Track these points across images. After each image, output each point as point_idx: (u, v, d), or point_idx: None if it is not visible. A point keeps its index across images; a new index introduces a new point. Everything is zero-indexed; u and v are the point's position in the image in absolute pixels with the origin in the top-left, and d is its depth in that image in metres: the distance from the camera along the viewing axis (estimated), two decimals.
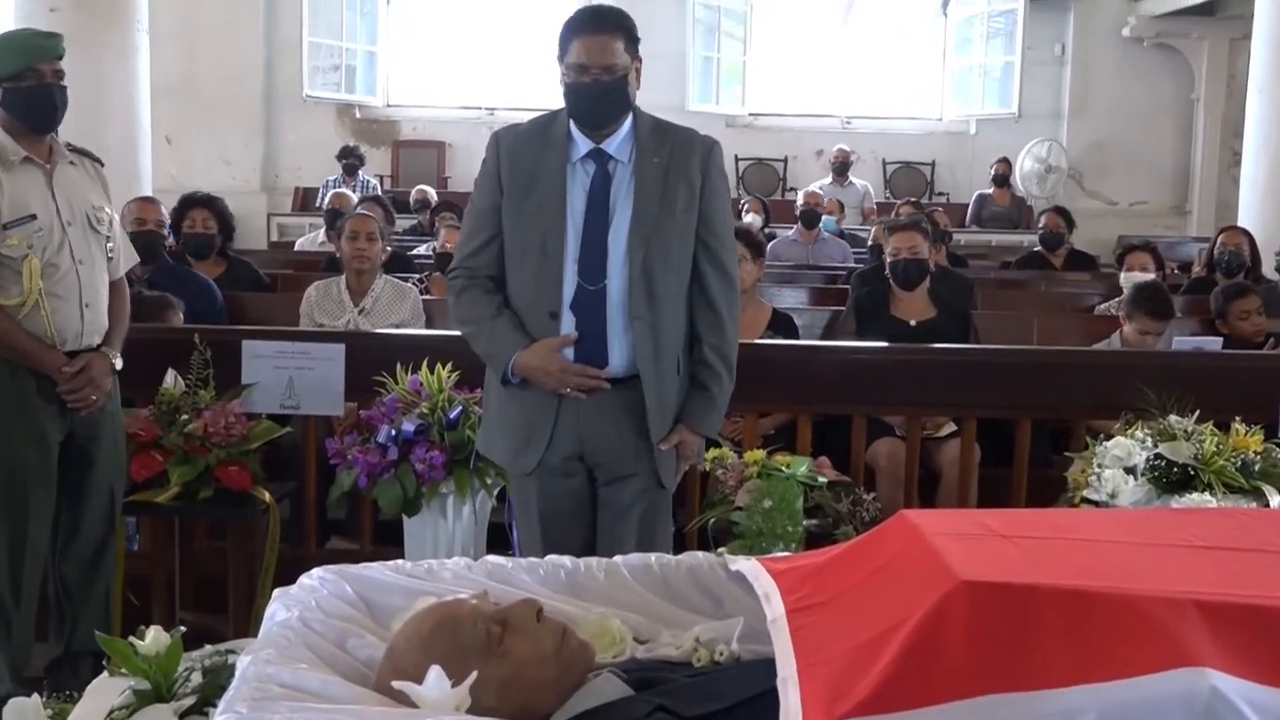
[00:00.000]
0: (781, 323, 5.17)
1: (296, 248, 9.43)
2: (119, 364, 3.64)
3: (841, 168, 11.62)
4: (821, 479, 3.66)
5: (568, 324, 3.00)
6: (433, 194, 10.46)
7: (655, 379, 3.03)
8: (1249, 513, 2.66)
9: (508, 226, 3.05)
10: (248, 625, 3.73)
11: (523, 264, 3.04)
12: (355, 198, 9.14)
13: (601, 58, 2.94)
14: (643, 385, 3.02)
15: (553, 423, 3.05)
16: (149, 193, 7.03)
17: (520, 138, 3.09)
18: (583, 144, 3.03)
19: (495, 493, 3.79)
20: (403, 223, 9.71)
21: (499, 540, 3.85)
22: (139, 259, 4.08)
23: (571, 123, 3.04)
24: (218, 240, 5.98)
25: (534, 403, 3.06)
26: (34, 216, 3.44)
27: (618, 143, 3.04)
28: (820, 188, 10.38)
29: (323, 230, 8.77)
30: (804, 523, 3.45)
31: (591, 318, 3.01)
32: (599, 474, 3.11)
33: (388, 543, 4.08)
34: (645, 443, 3.06)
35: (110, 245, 3.65)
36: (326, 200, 9.34)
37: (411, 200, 10.45)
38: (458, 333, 3.23)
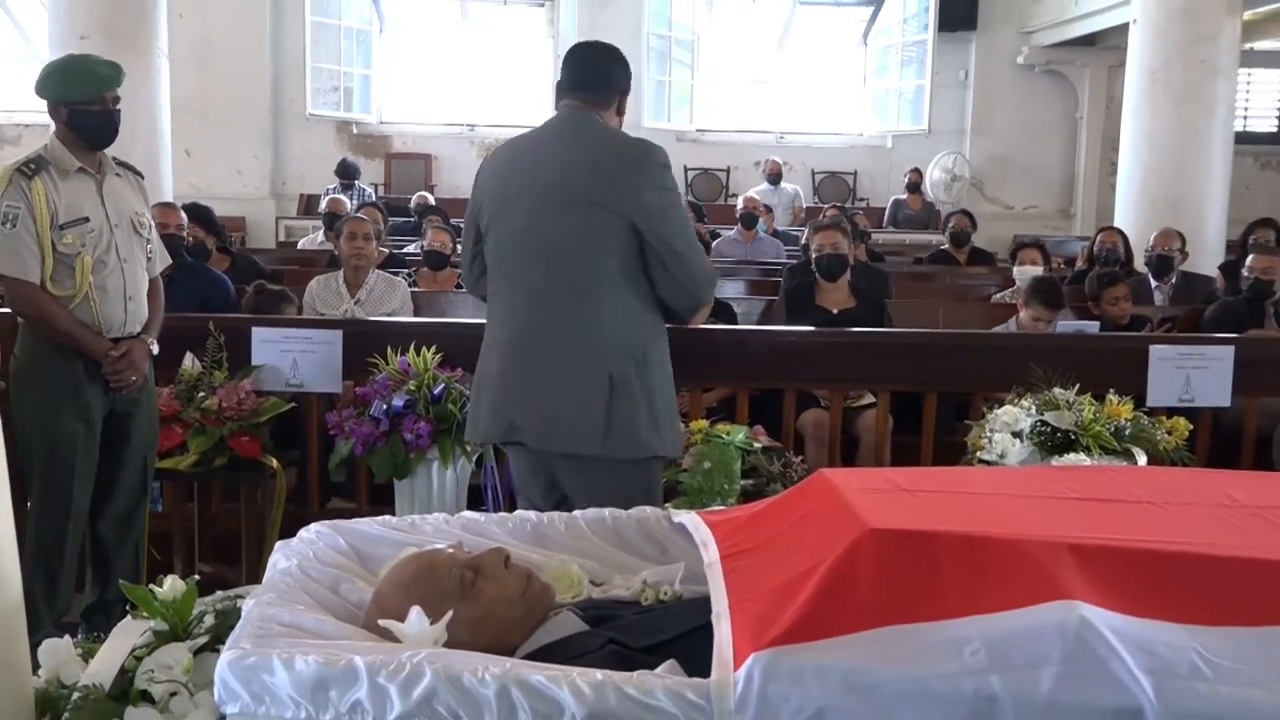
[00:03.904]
0: (722, 310, 5.19)
1: (299, 248, 9.34)
2: (155, 349, 3.64)
3: (774, 177, 11.64)
4: (757, 445, 3.67)
5: None
6: (431, 199, 10.37)
7: None
8: (1116, 470, 2.68)
9: None
10: (258, 575, 3.71)
11: None
12: (350, 203, 9.06)
13: None
14: None
15: None
16: (170, 200, 6.93)
17: None
18: None
19: (475, 458, 3.79)
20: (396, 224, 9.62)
21: (476, 499, 3.86)
22: (170, 261, 4.06)
23: None
24: (210, 242, 5.91)
25: None
26: (87, 219, 3.45)
27: None
28: (757, 193, 10.38)
29: (321, 231, 8.69)
30: (741, 482, 3.47)
31: None
32: None
33: (381, 502, 4.06)
34: None
35: (150, 247, 3.65)
36: (324, 205, 9.24)
37: (413, 205, 10.36)
38: (441, 320, 3.21)
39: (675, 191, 3.02)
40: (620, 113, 3.04)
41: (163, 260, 3.81)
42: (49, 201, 3.38)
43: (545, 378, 2.88)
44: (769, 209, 10.22)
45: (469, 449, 3.70)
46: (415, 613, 1.64)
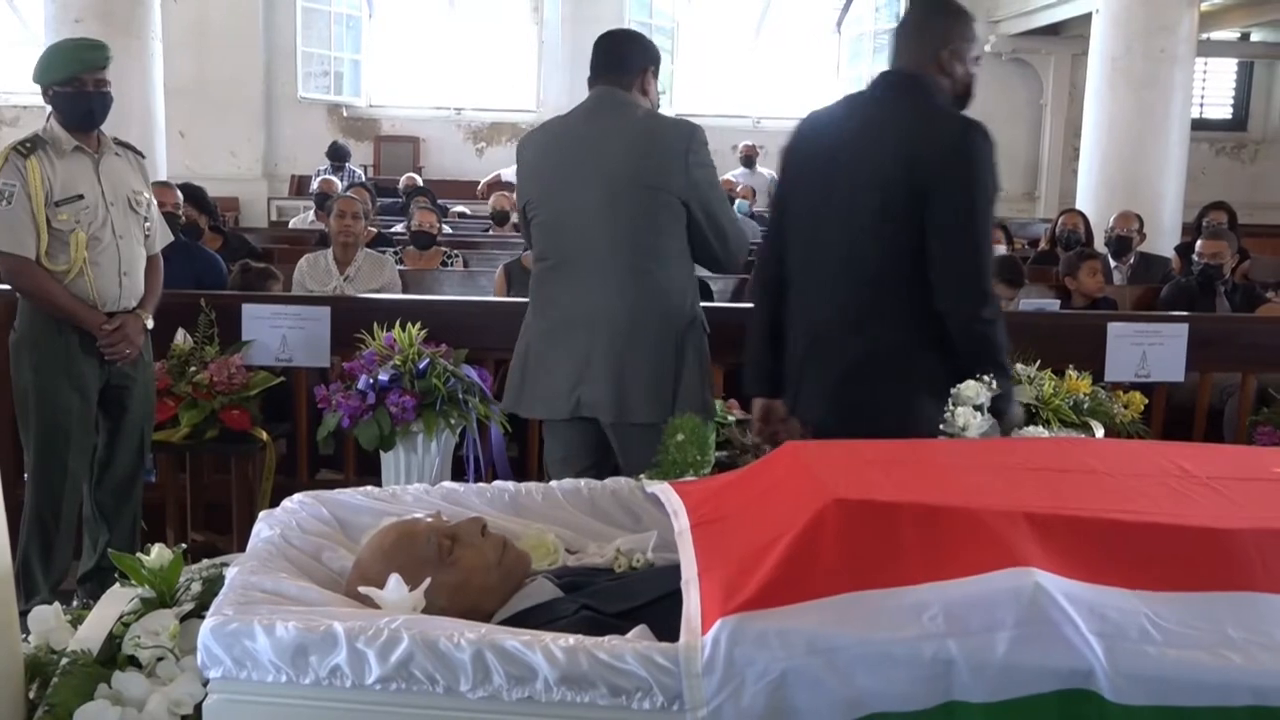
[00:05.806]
0: (700, 288, 5.15)
1: (290, 227, 9.27)
2: (150, 324, 3.61)
3: (748, 160, 11.58)
4: (731, 417, 3.66)
5: None
6: (419, 181, 10.28)
7: None
8: (1071, 441, 2.70)
9: None
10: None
11: None
12: (340, 184, 8.98)
13: None
14: None
15: None
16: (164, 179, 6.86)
17: None
18: None
19: (458, 431, 3.77)
20: (384, 205, 9.53)
21: (460, 470, 3.84)
22: (172, 238, 4.01)
23: None
24: (203, 221, 5.86)
25: None
26: (81, 196, 3.42)
27: None
28: (734, 176, 10.34)
29: (313, 211, 8.62)
30: (714, 454, 3.45)
31: None
32: None
33: (368, 473, 4.03)
34: None
35: (148, 224, 3.62)
36: (315, 185, 9.16)
37: (401, 186, 10.27)
38: (427, 297, 3.19)
39: (714, 167, 3.09)
40: (646, 90, 3.02)
41: (163, 238, 3.78)
42: (44, 179, 3.35)
43: (618, 354, 2.91)
44: (755, 191, 10.18)
45: (453, 422, 3.68)
46: (394, 580, 1.63)
